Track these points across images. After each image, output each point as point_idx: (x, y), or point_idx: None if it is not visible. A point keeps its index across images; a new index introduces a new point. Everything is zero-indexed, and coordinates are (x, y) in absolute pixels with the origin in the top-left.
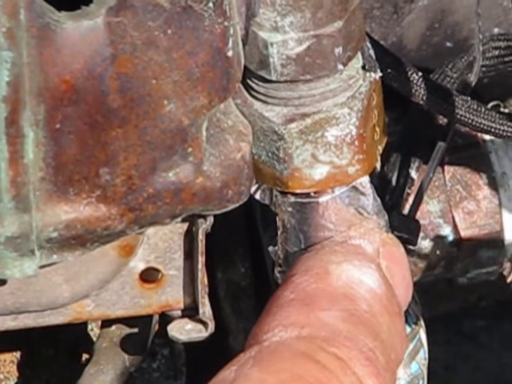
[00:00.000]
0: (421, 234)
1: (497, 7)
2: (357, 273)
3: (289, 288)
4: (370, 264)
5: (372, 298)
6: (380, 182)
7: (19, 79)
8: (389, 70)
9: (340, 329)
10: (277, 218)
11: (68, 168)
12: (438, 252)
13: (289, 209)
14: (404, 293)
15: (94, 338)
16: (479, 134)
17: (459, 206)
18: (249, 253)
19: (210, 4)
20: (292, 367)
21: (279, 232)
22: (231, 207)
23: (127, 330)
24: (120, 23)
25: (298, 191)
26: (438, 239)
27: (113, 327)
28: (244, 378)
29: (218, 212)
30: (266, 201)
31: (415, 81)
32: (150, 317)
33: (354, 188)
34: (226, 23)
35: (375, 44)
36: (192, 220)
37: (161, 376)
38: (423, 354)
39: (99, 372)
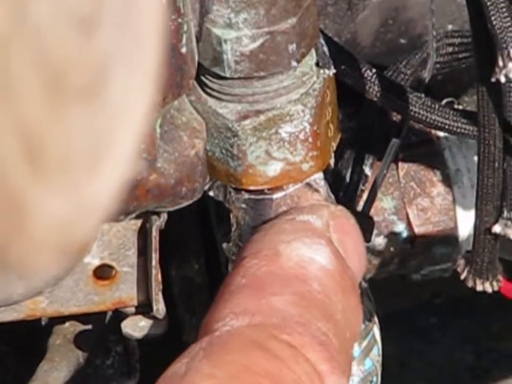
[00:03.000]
0: (375, 231)
1: (451, 3)
2: (307, 252)
3: (240, 273)
4: (320, 240)
5: (324, 276)
6: (333, 178)
7: None
8: (342, 67)
9: (292, 314)
10: (231, 215)
11: None
12: (392, 249)
13: (243, 206)
14: (358, 264)
15: (48, 335)
16: (433, 131)
17: (413, 202)
18: (203, 250)
19: (164, 1)
20: (242, 358)
21: (232, 229)
22: (185, 203)
23: (80, 327)
24: None
25: (252, 187)
26: (392, 236)
27: (67, 324)
28: (195, 371)
29: (172, 209)
30: (220, 198)
31: (369, 78)
32: (103, 313)
33: (308, 185)
34: (180, 20)
35: (329, 40)
36: (146, 216)
37: (115, 373)
38: (376, 351)
39: (53, 369)
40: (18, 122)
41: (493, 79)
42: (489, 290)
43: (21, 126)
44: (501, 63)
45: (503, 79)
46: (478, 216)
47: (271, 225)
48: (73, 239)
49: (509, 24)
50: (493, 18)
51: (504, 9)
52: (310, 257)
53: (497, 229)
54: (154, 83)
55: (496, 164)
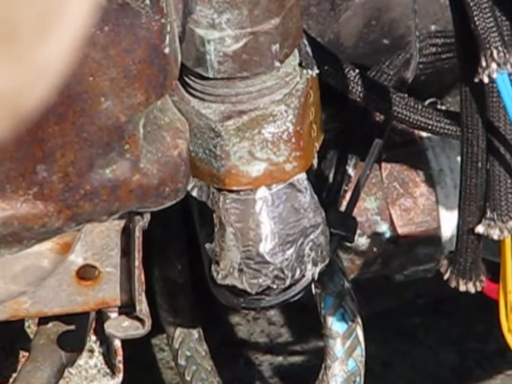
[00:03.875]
0: (358, 231)
1: (434, 4)
2: None
3: None
4: None
5: None
6: (317, 179)
7: None
8: (326, 67)
9: None
10: (214, 215)
11: (5, 165)
12: (375, 249)
13: (226, 206)
14: None
15: (31, 336)
16: (416, 131)
17: (396, 203)
18: (186, 250)
19: (147, 1)
20: None
21: (216, 229)
22: (168, 204)
23: (64, 327)
24: None
25: (235, 188)
26: (375, 236)
27: (50, 324)
28: None
29: (155, 209)
30: (203, 198)
31: (352, 78)
32: (87, 314)
33: (291, 185)
34: (163, 20)
35: (312, 41)
36: (129, 217)
37: (98, 373)
38: (360, 352)
39: (36, 369)
40: None
41: (476, 80)
42: (472, 290)
43: None
44: (484, 64)
45: (486, 80)
46: (461, 217)
47: None
48: (25, 103)
49: (492, 24)
50: (476, 18)
51: (487, 10)
52: None
53: (480, 229)
54: None
55: (479, 164)
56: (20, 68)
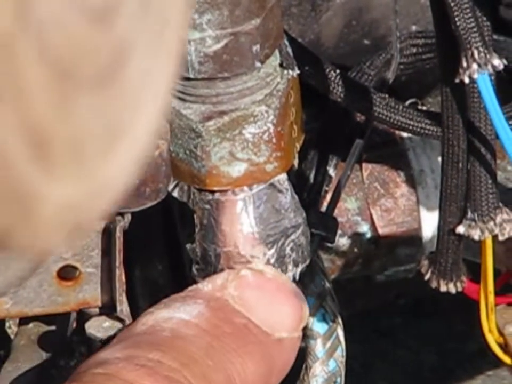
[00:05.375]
0: (339, 231)
1: (415, 4)
2: (167, 314)
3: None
4: (196, 300)
5: (183, 326)
6: (297, 179)
7: None
8: (306, 68)
9: (116, 356)
10: (195, 216)
11: None
12: (355, 250)
13: (207, 206)
14: (268, 314)
15: (12, 336)
16: (396, 132)
17: (377, 203)
18: (167, 251)
19: None
20: None
21: (196, 230)
22: (149, 204)
23: (44, 328)
24: None
25: (216, 188)
26: (356, 237)
27: (31, 325)
28: None
29: (136, 210)
30: (184, 199)
31: (332, 78)
32: (67, 314)
33: (272, 185)
34: None
35: (292, 41)
36: (109, 217)
37: None
38: (340, 352)
39: (17, 370)
40: (26, 118)
41: (457, 80)
42: (453, 291)
43: (28, 121)
44: (464, 64)
45: (467, 80)
46: (441, 217)
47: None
48: (83, 220)
49: (472, 25)
50: (456, 19)
51: (468, 10)
52: (168, 317)
53: (461, 229)
54: (176, 63)
55: (460, 165)
56: (83, 185)
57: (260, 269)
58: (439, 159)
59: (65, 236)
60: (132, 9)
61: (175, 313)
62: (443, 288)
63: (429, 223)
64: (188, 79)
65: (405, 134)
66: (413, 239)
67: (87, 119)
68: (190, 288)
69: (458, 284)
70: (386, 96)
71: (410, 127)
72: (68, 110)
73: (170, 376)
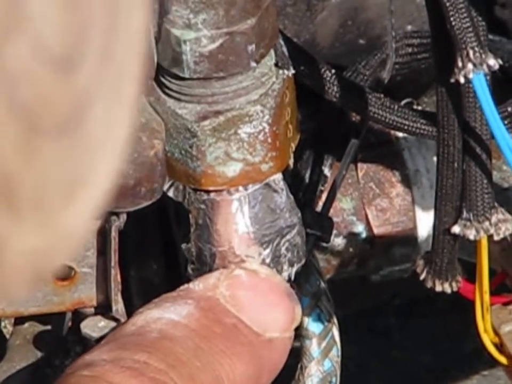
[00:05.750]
0: (334, 231)
1: (410, 4)
2: (157, 313)
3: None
4: (187, 301)
5: (171, 327)
6: (293, 179)
7: None
8: (302, 67)
9: (102, 358)
10: (190, 216)
11: None
12: (351, 249)
13: (202, 206)
14: (260, 315)
15: (7, 336)
16: (392, 132)
17: (372, 203)
18: (162, 250)
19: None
20: None
21: (192, 229)
22: (144, 204)
23: (40, 327)
24: None
25: (211, 188)
26: (351, 237)
27: (26, 325)
28: None
29: (131, 209)
30: (180, 199)
31: (328, 78)
32: (63, 314)
33: (268, 185)
34: None
35: (288, 41)
36: (105, 217)
37: None
38: (336, 352)
39: (12, 369)
40: None
41: (452, 80)
42: (448, 291)
43: None
44: (460, 64)
45: (462, 80)
46: (437, 217)
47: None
48: (47, 265)
49: (468, 25)
50: (452, 19)
51: (463, 10)
52: (158, 317)
53: (456, 229)
54: (133, 114)
55: (456, 165)
56: (45, 234)
57: (253, 268)
58: (435, 159)
59: (28, 282)
60: (93, 60)
61: (165, 314)
62: (438, 288)
63: (424, 223)
64: (183, 78)
65: (400, 134)
66: (408, 239)
67: (51, 168)
68: (181, 287)
69: (454, 284)
70: (382, 96)
71: (406, 127)
72: (34, 159)
73: (156, 378)
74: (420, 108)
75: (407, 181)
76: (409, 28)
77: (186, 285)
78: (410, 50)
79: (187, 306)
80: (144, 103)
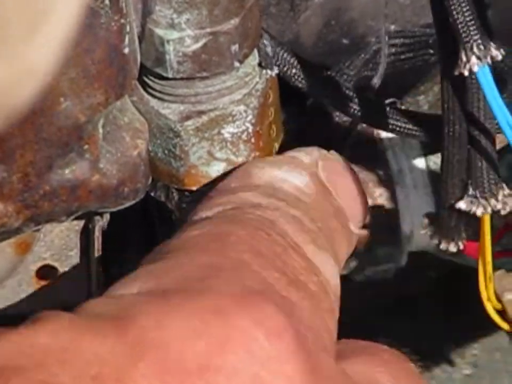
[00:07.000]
0: None
1: (393, 4)
2: (281, 174)
3: (211, 193)
4: (301, 171)
5: (299, 194)
6: None
7: None
8: (285, 67)
9: (262, 202)
10: (173, 216)
11: None
12: None
13: (185, 206)
14: (354, 204)
15: None
16: (375, 131)
17: None
18: (145, 250)
19: (107, 1)
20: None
21: (175, 229)
22: (127, 204)
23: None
24: None
25: (194, 188)
26: None
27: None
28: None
29: (114, 209)
30: (163, 198)
31: (311, 78)
32: None
33: None
34: (122, 20)
35: (272, 40)
36: (88, 217)
37: None
38: None
39: None
40: None
41: (456, 73)
42: (454, 250)
43: None
44: (464, 58)
45: (466, 73)
46: (443, 190)
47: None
48: (11, 100)
49: (471, 18)
50: (454, 12)
51: (465, 3)
52: (283, 178)
53: (462, 205)
54: None
55: (461, 142)
56: (9, 66)
57: (336, 156)
58: (418, 158)
59: None
60: None
61: (288, 176)
62: (443, 247)
63: (408, 222)
64: (166, 78)
65: (383, 134)
66: (391, 238)
67: (11, 1)
68: (286, 153)
69: (460, 243)
70: (366, 95)
71: (389, 126)
72: None
73: (313, 234)
74: (403, 107)
75: (390, 181)
76: (392, 27)
77: (292, 153)
78: (393, 50)
79: (304, 178)
80: (128, 103)
